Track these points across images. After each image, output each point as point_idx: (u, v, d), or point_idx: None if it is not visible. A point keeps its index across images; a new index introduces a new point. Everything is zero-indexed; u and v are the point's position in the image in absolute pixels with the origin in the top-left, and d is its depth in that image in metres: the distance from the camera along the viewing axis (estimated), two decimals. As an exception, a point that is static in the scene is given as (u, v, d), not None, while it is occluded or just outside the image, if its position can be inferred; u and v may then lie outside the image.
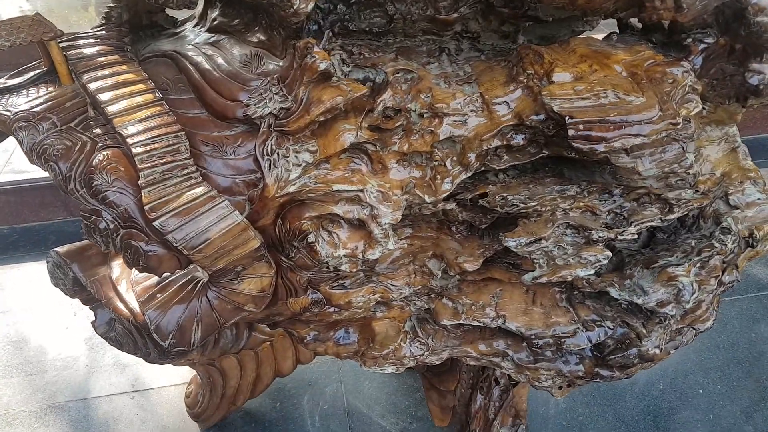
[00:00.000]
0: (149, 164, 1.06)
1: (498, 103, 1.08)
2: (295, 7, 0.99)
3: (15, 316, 2.46)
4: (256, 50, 1.19)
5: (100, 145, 1.11)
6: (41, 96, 1.16)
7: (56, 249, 1.41)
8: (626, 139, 1.01)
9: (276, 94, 1.12)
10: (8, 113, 1.11)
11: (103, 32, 1.22)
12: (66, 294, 1.48)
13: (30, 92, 1.17)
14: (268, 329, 1.57)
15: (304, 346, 1.37)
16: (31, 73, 1.21)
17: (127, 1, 1.22)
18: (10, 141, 2.80)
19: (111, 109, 1.11)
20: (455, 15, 1.19)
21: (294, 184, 1.11)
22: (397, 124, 1.15)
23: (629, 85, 1.05)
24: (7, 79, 1.21)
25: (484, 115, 1.09)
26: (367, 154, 1.16)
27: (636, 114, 1.01)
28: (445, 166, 1.12)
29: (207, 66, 1.19)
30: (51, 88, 1.19)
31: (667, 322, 1.30)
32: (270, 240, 1.20)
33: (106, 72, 1.16)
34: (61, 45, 1.17)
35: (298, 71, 1.09)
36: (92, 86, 1.13)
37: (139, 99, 1.14)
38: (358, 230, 1.18)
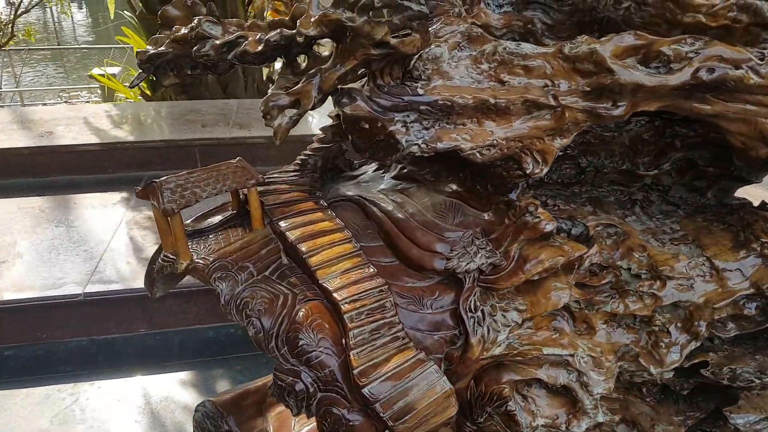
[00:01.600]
0: (358, 323, 1.02)
1: (730, 270, 1.04)
2: (528, 171, 0.98)
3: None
4: (450, 200, 1.18)
5: (300, 297, 1.08)
6: (234, 242, 1.15)
7: (210, 399, 1.35)
8: None
9: (482, 248, 1.09)
10: (205, 262, 1.09)
11: (297, 178, 1.23)
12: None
13: (220, 237, 1.17)
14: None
15: None
16: (219, 217, 1.22)
17: (325, 150, 1.24)
18: (99, 245, 2.78)
19: (313, 260, 1.09)
20: (654, 171, 1.18)
21: (500, 346, 1.06)
22: (603, 282, 1.11)
23: None
24: (193, 221, 1.21)
25: (714, 281, 1.05)
26: (570, 311, 1.12)
27: None
28: (668, 332, 1.06)
29: (399, 214, 1.18)
30: (241, 233, 1.18)
31: None
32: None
33: (302, 219, 1.15)
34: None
35: (511, 228, 1.07)
36: (291, 235, 1.12)
37: (338, 249, 1.12)
38: (559, 397, 1.12)
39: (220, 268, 1.09)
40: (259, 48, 0.92)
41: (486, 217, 1.13)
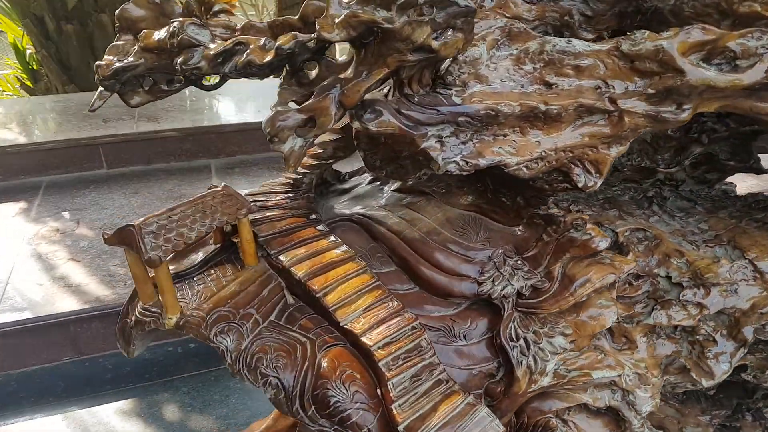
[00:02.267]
0: (396, 370, 0.89)
1: (775, 272, 0.99)
2: (580, 184, 0.87)
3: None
4: (469, 214, 1.06)
5: (319, 344, 0.93)
6: (228, 284, 0.97)
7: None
8: None
9: (518, 269, 0.98)
10: (199, 314, 0.91)
11: (290, 200, 1.06)
12: None
13: (208, 279, 0.98)
14: None
15: None
16: (200, 254, 1.03)
17: (322, 167, 1.08)
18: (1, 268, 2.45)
19: (329, 299, 0.94)
20: (675, 168, 1.12)
21: (547, 376, 0.96)
22: (639, 292, 1.03)
23: None
24: (170, 261, 1.02)
25: (759, 284, 1.00)
26: (608, 327, 1.04)
27: None
28: (713, 341, 1.01)
29: (414, 234, 1.04)
30: (232, 272, 1.00)
31: None
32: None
33: (306, 250, 0.99)
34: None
35: (551, 245, 0.97)
36: (298, 271, 0.96)
37: (354, 282, 0.97)
38: (600, 417, 1.04)
39: (220, 320, 0.92)
40: (268, 58, 0.74)
41: (517, 233, 1.02)
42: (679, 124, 0.83)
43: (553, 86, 0.85)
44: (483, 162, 0.85)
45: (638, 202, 1.16)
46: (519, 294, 0.98)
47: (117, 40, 0.84)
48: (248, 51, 0.75)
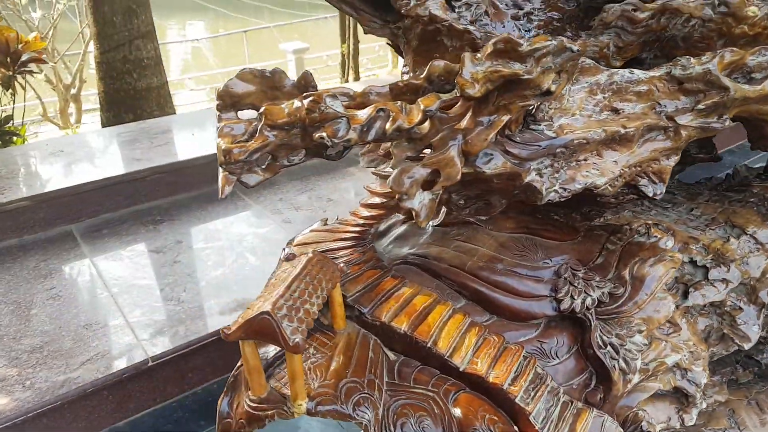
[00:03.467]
0: (534, 403, 0.93)
1: (771, 241, 1.19)
2: (649, 193, 0.98)
3: None
4: (520, 236, 1.13)
5: (442, 393, 0.93)
6: (334, 355, 0.93)
7: None
8: None
9: (589, 279, 1.07)
10: (329, 392, 0.87)
11: (360, 253, 1.04)
12: None
13: (306, 355, 0.94)
14: None
15: None
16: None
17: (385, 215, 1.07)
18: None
19: (440, 346, 0.95)
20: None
21: (637, 373, 1.06)
22: (672, 279, 1.18)
23: None
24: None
25: (763, 252, 1.19)
26: None
27: None
28: (740, 309, 1.18)
29: (478, 264, 1.09)
30: (325, 340, 0.96)
31: None
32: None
33: (396, 302, 0.99)
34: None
35: (617, 252, 1.07)
36: (400, 325, 0.96)
37: (452, 324, 0.99)
38: (662, 399, 1.17)
39: (351, 393, 0.88)
40: (417, 119, 0.75)
41: (574, 246, 1.11)
42: (721, 131, 0.99)
43: (620, 111, 0.95)
44: (577, 186, 0.92)
45: (633, 201, 1.31)
46: (598, 303, 1.07)
47: (219, 120, 0.78)
48: (393, 116, 0.75)
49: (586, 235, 1.10)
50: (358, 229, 1.07)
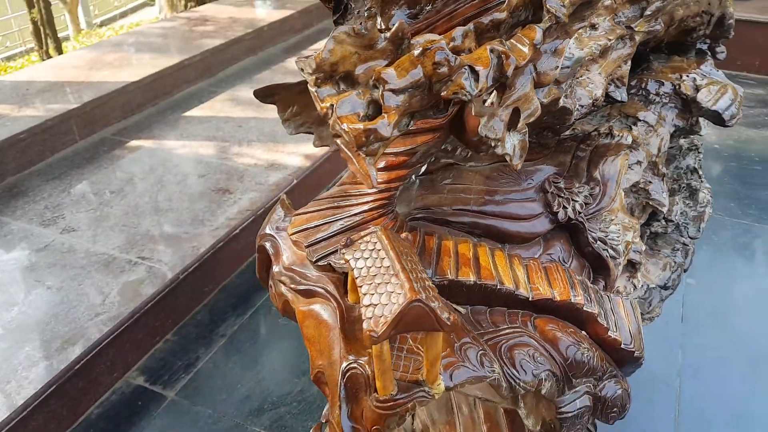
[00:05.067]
0: (596, 306, 1.03)
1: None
2: (619, 97, 1.11)
3: None
4: (499, 165, 1.19)
5: (519, 327, 0.99)
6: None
7: None
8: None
9: (571, 186, 1.18)
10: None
11: (388, 217, 1.00)
12: None
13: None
14: None
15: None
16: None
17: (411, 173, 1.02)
18: None
19: (506, 284, 0.99)
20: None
21: (622, 257, 1.23)
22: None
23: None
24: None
25: (653, 133, 1.43)
26: None
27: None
28: (650, 182, 1.42)
29: (479, 201, 1.13)
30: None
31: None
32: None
33: (450, 258, 0.99)
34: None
35: (586, 157, 1.20)
36: (467, 277, 0.97)
37: (499, 261, 1.04)
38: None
39: (470, 351, 0.88)
40: (530, 54, 0.75)
41: (549, 161, 1.20)
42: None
43: (597, 26, 1.05)
44: (587, 101, 1.01)
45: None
46: (586, 204, 1.19)
47: (321, 99, 0.66)
48: (508, 56, 0.73)
49: (557, 149, 1.20)
50: (381, 196, 1.01)
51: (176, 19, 4.64)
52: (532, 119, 0.83)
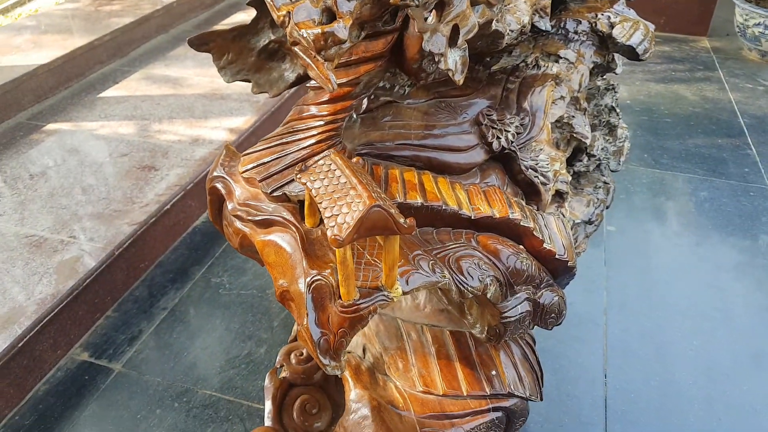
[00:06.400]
0: (532, 222, 1.14)
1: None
2: (543, 27, 1.22)
3: None
4: (435, 101, 1.28)
5: (464, 241, 1.09)
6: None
7: None
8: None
9: (503, 117, 1.29)
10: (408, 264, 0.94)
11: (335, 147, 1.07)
12: None
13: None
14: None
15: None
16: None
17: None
18: None
19: (451, 205, 1.08)
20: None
21: (551, 183, 1.35)
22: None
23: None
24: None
25: (574, 70, 1.56)
26: None
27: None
28: (573, 116, 1.55)
29: (419, 135, 1.22)
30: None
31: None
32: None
33: (398, 184, 1.08)
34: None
35: (516, 88, 1.30)
36: (414, 200, 1.06)
37: (442, 185, 1.13)
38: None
39: (422, 260, 0.97)
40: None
41: (480, 94, 1.30)
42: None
43: None
44: (516, 26, 1.11)
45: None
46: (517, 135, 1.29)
47: (274, 5, 0.71)
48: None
49: (488, 83, 1.30)
50: (328, 128, 1.07)
51: (80, 0, 4.49)
52: (470, 35, 0.91)
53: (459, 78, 0.91)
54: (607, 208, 1.84)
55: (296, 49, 0.80)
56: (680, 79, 3.93)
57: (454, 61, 0.89)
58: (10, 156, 2.75)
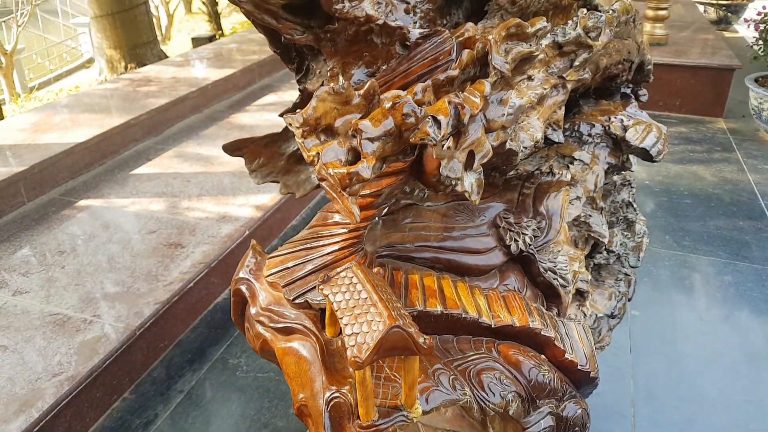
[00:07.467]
0: (552, 330, 1.12)
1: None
2: (557, 139, 1.23)
3: None
4: (453, 204, 1.29)
5: (485, 352, 1.06)
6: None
7: None
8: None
9: (520, 221, 1.28)
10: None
11: (358, 256, 1.07)
12: None
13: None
14: None
15: None
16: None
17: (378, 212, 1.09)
18: None
19: (471, 313, 1.07)
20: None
21: (571, 284, 1.33)
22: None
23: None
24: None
25: (589, 171, 1.56)
26: None
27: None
28: (590, 215, 1.54)
29: (438, 238, 1.22)
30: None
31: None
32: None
33: (417, 291, 1.07)
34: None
35: (532, 193, 1.31)
36: (434, 307, 1.04)
37: (461, 291, 1.12)
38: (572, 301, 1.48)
39: (443, 376, 0.95)
40: (481, 105, 0.85)
41: (497, 198, 1.30)
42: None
43: (533, 77, 1.17)
44: (529, 143, 1.12)
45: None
46: (535, 237, 1.29)
47: (308, 149, 0.73)
48: (464, 106, 0.82)
49: (504, 187, 1.31)
50: (351, 235, 1.08)
51: (119, 81, 4.66)
52: (485, 160, 0.92)
53: (476, 198, 0.91)
54: (630, 300, 1.81)
55: (323, 184, 0.82)
56: (698, 160, 3.93)
57: (470, 183, 0.90)
58: (41, 231, 2.80)
